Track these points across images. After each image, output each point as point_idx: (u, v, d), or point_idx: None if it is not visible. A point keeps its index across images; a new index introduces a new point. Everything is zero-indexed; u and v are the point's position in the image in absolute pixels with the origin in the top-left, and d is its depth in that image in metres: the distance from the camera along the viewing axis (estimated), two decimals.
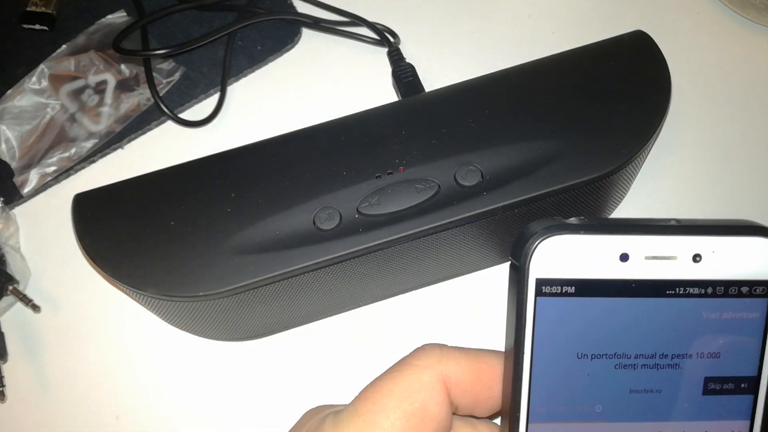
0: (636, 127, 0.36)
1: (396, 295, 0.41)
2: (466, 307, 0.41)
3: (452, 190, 0.35)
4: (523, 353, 0.23)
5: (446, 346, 0.26)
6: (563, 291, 0.23)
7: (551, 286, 0.23)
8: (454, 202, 0.34)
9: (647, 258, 0.23)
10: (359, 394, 0.25)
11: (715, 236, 0.23)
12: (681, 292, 0.23)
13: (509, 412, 0.24)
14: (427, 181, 0.35)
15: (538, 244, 0.23)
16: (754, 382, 0.24)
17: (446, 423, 0.25)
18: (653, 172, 0.44)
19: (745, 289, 0.23)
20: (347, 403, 0.26)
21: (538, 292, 0.23)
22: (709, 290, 0.23)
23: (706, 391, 0.24)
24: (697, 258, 0.23)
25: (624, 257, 0.23)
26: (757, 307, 0.23)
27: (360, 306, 0.41)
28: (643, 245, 0.23)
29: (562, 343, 0.23)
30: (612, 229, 0.23)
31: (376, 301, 0.41)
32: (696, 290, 0.23)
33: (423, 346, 0.26)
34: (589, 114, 0.36)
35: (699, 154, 0.44)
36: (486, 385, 0.25)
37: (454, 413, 0.26)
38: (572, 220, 0.23)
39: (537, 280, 0.23)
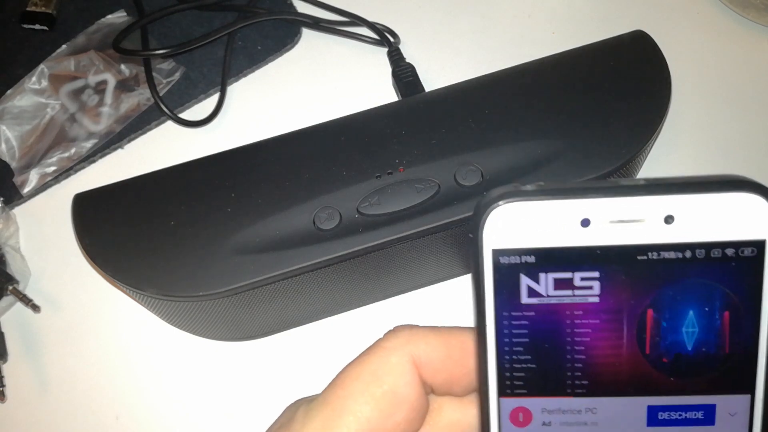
0: (636, 126, 0.36)
1: (395, 295, 0.41)
2: (466, 307, 0.41)
3: (452, 190, 0.35)
4: (485, 326, 0.23)
5: (416, 326, 0.25)
6: (522, 261, 0.22)
7: (509, 257, 0.22)
8: (454, 202, 0.34)
9: (611, 222, 0.22)
10: (330, 382, 0.25)
11: (688, 194, 0.21)
12: (652, 257, 0.22)
13: (478, 387, 0.23)
14: (427, 181, 0.35)
15: (490, 211, 0.22)
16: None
17: (419, 404, 0.24)
18: (653, 172, 0.44)
19: (730, 251, 0.21)
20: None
21: (496, 264, 0.22)
22: (688, 254, 0.22)
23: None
24: (669, 219, 0.21)
25: (585, 222, 0.22)
26: (746, 269, 0.22)
27: (360, 306, 0.41)
28: (606, 208, 0.22)
29: (525, 316, 0.23)
30: (570, 192, 0.22)
31: (376, 301, 0.41)
32: (669, 255, 0.22)
33: (393, 328, 0.25)
34: (589, 114, 0.36)
35: (699, 154, 0.44)
36: (458, 361, 0.24)
37: (432, 393, 0.25)
38: (528, 186, 0.22)
39: (493, 251, 0.22)
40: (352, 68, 0.47)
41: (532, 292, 0.22)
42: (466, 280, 0.41)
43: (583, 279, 0.22)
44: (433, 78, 0.45)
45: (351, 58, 0.48)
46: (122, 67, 0.47)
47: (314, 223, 0.34)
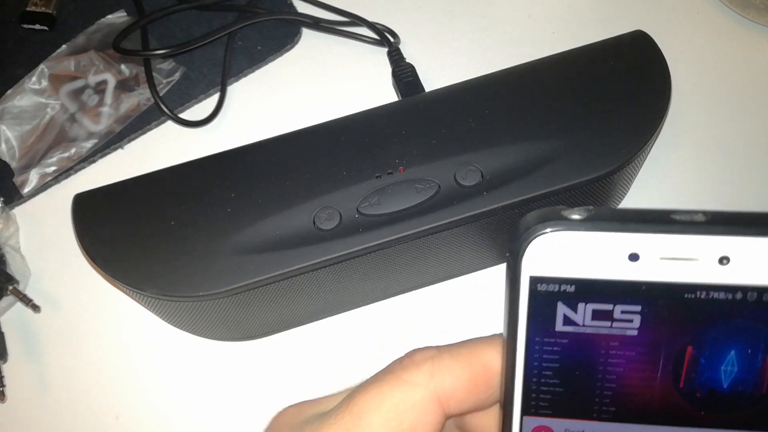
0: (636, 126, 0.36)
1: (396, 295, 0.41)
2: (466, 307, 0.41)
3: (452, 190, 0.35)
4: (516, 347, 0.22)
5: (437, 352, 0.24)
6: (561, 290, 0.21)
7: (547, 284, 0.21)
8: (454, 202, 0.34)
9: (662, 258, 0.20)
10: (342, 403, 0.24)
11: (748, 236, 0.20)
12: (700, 296, 0.21)
13: (502, 403, 0.23)
14: (427, 181, 0.35)
15: (533, 239, 0.21)
16: None
17: None
18: (653, 172, 0.44)
19: None
20: (325, 404, 0.25)
21: (533, 290, 0.21)
22: (738, 296, 0.20)
23: None
24: (724, 260, 0.20)
25: (634, 257, 0.21)
26: None
27: (360, 306, 0.41)
28: (658, 244, 0.20)
29: (559, 345, 0.22)
30: (621, 225, 0.20)
31: (376, 301, 0.41)
32: (719, 295, 0.21)
33: (412, 354, 0.24)
34: (589, 114, 0.36)
35: (699, 154, 0.44)
36: (484, 388, 0.24)
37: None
38: (575, 212, 0.21)
39: (531, 277, 0.21)
40: (352, 68, 0.47)
41: (567, 321, 0.22)
42: (466, 280, 0.41)
43: (624, 312, 0.21)
44: (433, 78, 0.45)
45: (351, 58, 0.48)
46: (122, 67, 0.47)
47: (314, 223, 0.34)
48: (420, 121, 0.37)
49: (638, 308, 0.21)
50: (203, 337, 0.40)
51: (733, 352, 0.22)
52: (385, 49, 0.46)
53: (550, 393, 0.23)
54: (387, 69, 0.46)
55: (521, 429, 0.23)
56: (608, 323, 0.22)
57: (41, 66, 0.47)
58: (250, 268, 0.33)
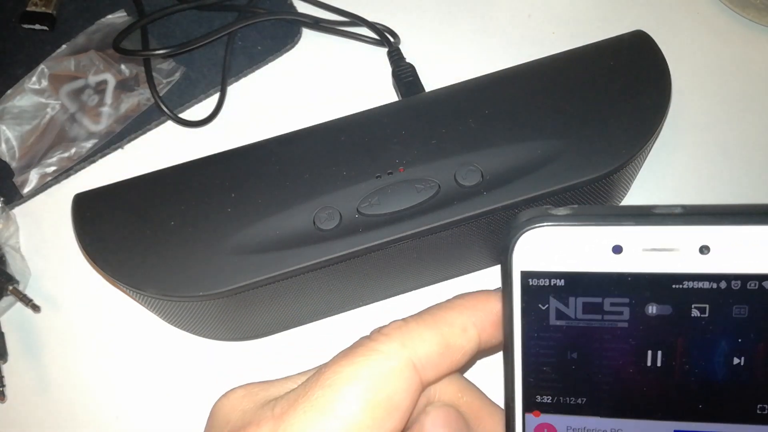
0: (636, 127, 0.36)
1: (396, 295, 0.41)
2: None
3: (452, 190, 0.35)
4: (513, 344, 0.23)
5: (404, 322, 0.24)
6: (551, 284, 0.22)
7: (538, 279, 0.22)
8: (454, 202, 0.34)
9: (644, 250, 0.21)
10: (310, 380, 0.23)
11: (725, 225, 0.21)
12: (685, 286, 0.21)
13: (505, 402, 0.23)
14: (427, 181, 0.35)
15: (521, 234, 0.22)
16: None
17: (412, 409, 0.23)
18: (653, 172, 0.44)
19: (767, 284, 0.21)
20: (279, 387, 0.24)
21: (525, 285, 0.22)
22: (722, 285, 0.21)
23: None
24: (704, 250, 0.21)
25: (617, 249, 0.21)
26: None
27: (360, 306, 0.41)
28: (639, 236, 0.21)
29: (553, 337, 0.23)
30: (603, 218, 0.21)
31: (376, 301, 0.41)
32: (703, 285, 0.21)
33: (381, 329, 0.24)
34: (589, 114, 0.36)
35: (699, 154, 0.44)
36: (456, 348, 0.23)
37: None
38: (561, 209, 0.22)
39: (522, 272, 0.22)
40: (352, 68, 0.47)
41: (560, 314, 0.22)
42: (466, 280, 0.41)
43: (612, 305, 0.22)
44: (433, 78, 0.45)
45: (351, 58, 0.48)
46: (122, 67, 0.47)
47: (314, 223, 0.34)
48: (420, 121, 0.37)
49: (626, 300, 0.22)
50: (203, 337, 0.40)
51: (723, 342, 0.22)
52: (385, 49, 0.46)
53: (550, 389, 0.23)
54: (387, 69, 0.46)
55: (524, 427, 0.24)
56: (599, 316, 0.22)
57: (41, 66, 0.47)
58: (250, 268, 0.33)
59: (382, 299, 0.41)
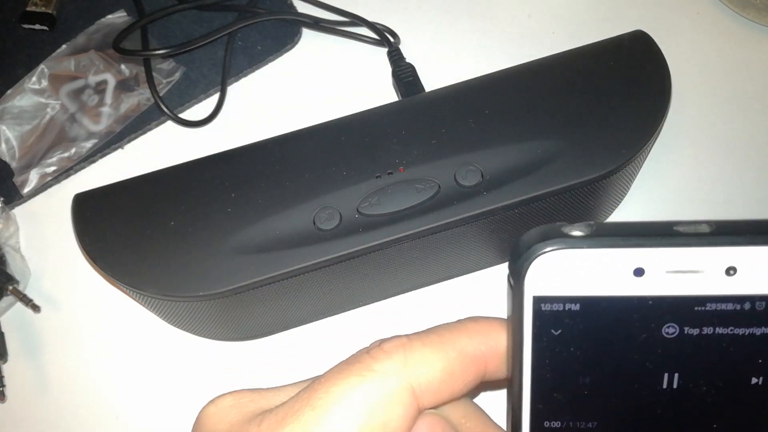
0: (636, 127, 0.36)
1: (396, 295, 0.41)
2: (466, 308, 0.41)
3: (452, 190, 0.35)
4: (521, 372, 0.21)
5: (408, 340, 0.22)
6: (566, 309, 0.21)
7: (551, 303, 0.21)
8: (454, 202, 0.34)
9: (668, 272, 0.20)
10: (300, 396, 0.21)
11: (753, 246, 0.20)
12: (708, 308, 0.20)
13: (511, 426, 0.22)
14: (427, 181, 0.35)
15: (535, 259, 0.20)
16: None
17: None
18: (653, 172, 0.44)
19: None
20: (270, 398, 0.23)
21: (537, 310, 0.21)
22: (746, 306, 0.20)
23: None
24: (730, 271, 0.20)
25: (639, 272, 0.20)
26: None
27: (360, 306, 0.41)
28: (663, 258, 0.20)
29: (566, 362, 0.21)
30: (624, 240, 0.20)
31: (376, 301, 0.41)
32: (727, 306, 0.20)
33: (380, 342, 0.22)
34: (589, 114, 0.36)
35: (699, 154, 0.44)
36: (460, 376, 0.21)
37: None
38: (576, 228, 0.20)
39: (535, 297, 0.20)
40: (352, 68, 0.47)
41: (574, 339, 0.21)
42: (466, 280, 0.41)
43: (630, 328, 0.21)
44: (433, 78, 0.45)
45: (351, 58, 0.48)
46: (122, 67, 0.47)
47: (314, 223, 0.34)
48: (420, 121, 0.37)
49: (645, 323, 0.21)
50: (203, 337, 0.40)
51: (743, 362, 0.21)
52: (385, 49, 0.46)
53: (560, 414, 0.22)
54: (387, 69, 0.46)
55: None
56: (615, 339, 0.21)
57: (41, 66, 0.47)
58: (251, 268, 0.33)
59: (382, 299, 0.41)
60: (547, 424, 0.22)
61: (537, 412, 0.22)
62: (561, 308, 0.21)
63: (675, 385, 0.21)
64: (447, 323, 0.23)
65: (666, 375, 0.21)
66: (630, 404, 0.22)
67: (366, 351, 0.22)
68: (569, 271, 0.20)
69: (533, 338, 0.21)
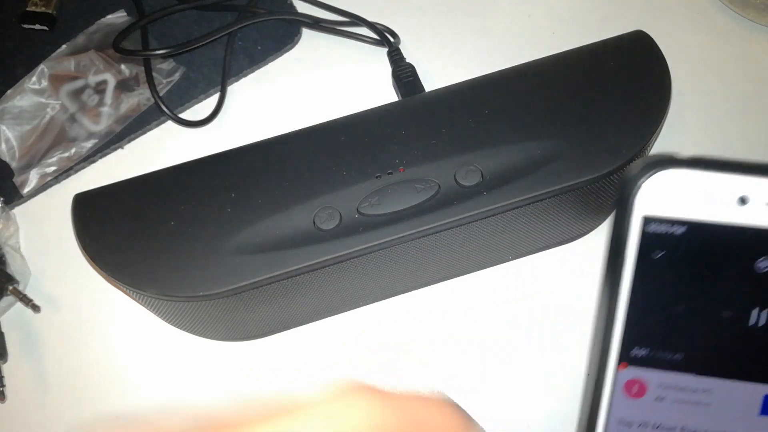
0: (636, 127, 0.36)
1: (396, 295, 0.41)
2: (466, 308, 0.41)
3: (452, 190, 0.35)
4: (618, 293, 0.22)
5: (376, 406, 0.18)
6: (670, 232, 0.21)
7: (658, 224, 0.21)
8: (454, 202, 0.34)
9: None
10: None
11: None
12: None
13: (598, 354, 0.23)
14: (427, 181, 0.35)
15: (648, 177, 0.21)
16: None
17: None
18: None
19: None
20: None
21: (644, 230, 0.21)
22: None
23: None
24: None
25: (743, 200, 0.21)
26: None
27: (360, 306, 0.41)
28: (766, 189, 0.21)
29: (662, 287, 0.22)
30: (734, 167, 0.21)
31: (376, 301, 0.41)
32: None
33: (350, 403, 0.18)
34: (589, 114, 0.36)
35: (699, 154, 0.44)
36: None
37: None
38: (687, 155, 0.21)
39: (644, 217, 0.21)
40: (352, 68, 0.47)
41: (675, 264, 0.22)
42: (466, 280, 0.41)
43: (728, 258, 0.21)
44: (433, 78, 0.45)
45: (351, 58, 0.48)
46: (122, 67, 0.47)
47: (314, 223, 0.34)
48: (420, 121, 0.37)
49: (742, 254, 0.21)
50: (203, 337, 0.40)
51: None
52: (385, 49, 0.46)
53: (649, 341, 0.22)
54: (387, 69, 0.46)
55: (615, 381, 0.23)
56: (713, 269, 0.22)
57: (41, 66, 0.47)
58: (251, 268, 0.33)
59: (382, 299, 0.41)
60: (635, 351, 0.22)
61: (629, 336, 0.22)
62: (666, 230, 0.21)
63: (761, 323, 0.22)
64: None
65: (755, 311, 0.22)
66: (716, 338, 0.22)
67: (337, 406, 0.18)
68: (678, 194, 0.21)
69: (637, 258, 0.21)
